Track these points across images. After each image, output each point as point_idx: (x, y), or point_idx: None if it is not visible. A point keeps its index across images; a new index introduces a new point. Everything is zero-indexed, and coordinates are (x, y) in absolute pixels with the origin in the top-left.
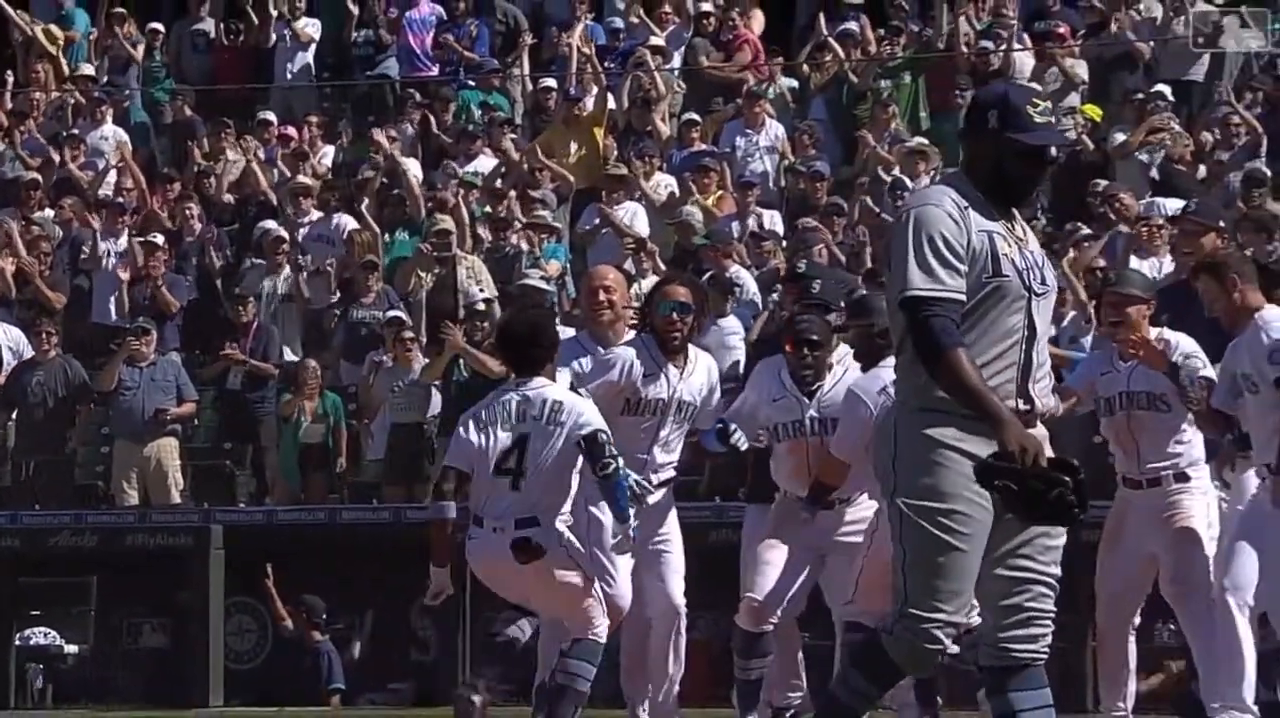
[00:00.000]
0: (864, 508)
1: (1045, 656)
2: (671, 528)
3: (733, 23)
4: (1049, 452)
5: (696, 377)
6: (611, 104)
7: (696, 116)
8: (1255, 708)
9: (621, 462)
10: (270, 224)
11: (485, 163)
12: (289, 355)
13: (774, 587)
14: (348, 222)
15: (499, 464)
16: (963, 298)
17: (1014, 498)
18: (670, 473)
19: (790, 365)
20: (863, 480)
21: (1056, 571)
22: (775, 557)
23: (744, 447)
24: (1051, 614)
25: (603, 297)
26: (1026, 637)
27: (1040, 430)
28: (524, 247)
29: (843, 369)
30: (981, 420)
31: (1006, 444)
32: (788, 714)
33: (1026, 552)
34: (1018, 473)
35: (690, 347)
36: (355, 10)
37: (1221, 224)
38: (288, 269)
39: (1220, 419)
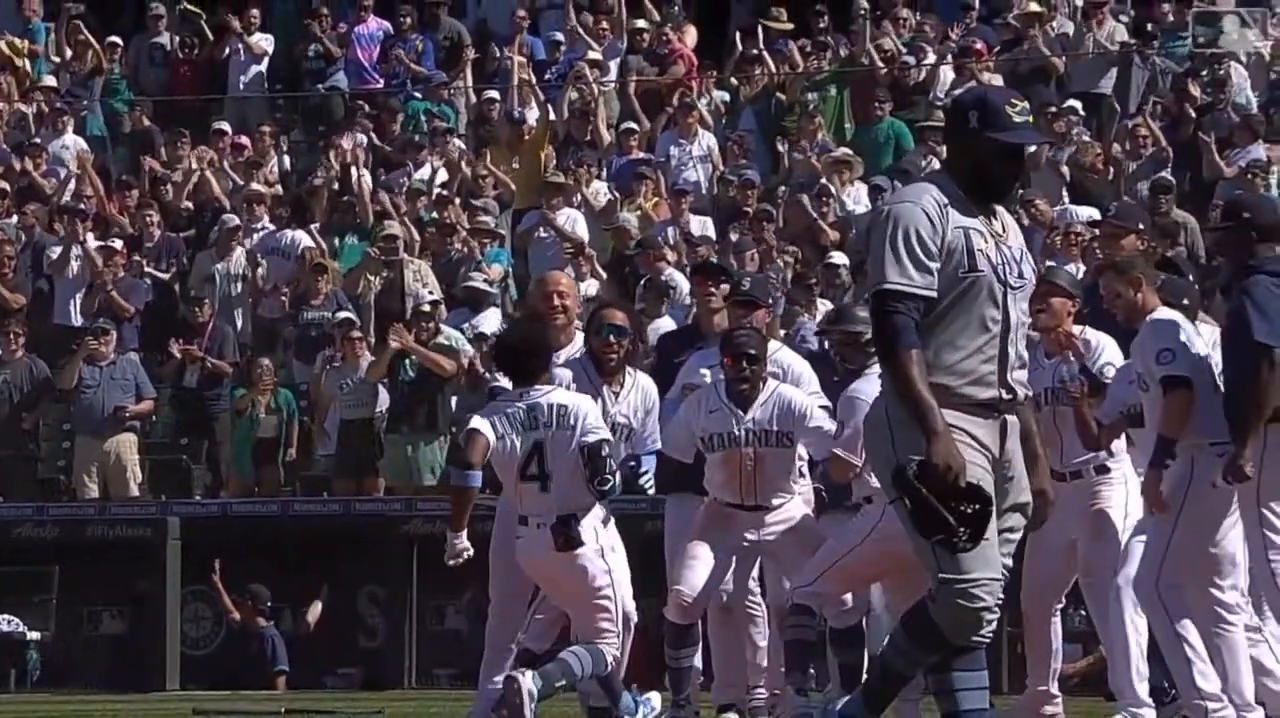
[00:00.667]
0: (790, 510)
1: (988, 640)
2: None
3: (666, 37)
4: (970, 476)
5: (633, 398)
6: (552, 115)
7: (635, 125)
8: (1150, 700)
9: (619, 478)
10: (228, 217)
11: (430, 171)
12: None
13: (703, 585)
14: (301, 237)
15: (523, 471)
16: (931, 294)
17: (916, 512)
18: None
19: (727, 378)
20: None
21: (1009, 562)
22: (703, 553)
23: (651, 491)
24: (1000, 601)
25: (556, 302)
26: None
27: (1014, 419)
28: (467, 252)
29: (775, 384)
30: (986, 406)
31: (933, 458)
32: (732, 711)
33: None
34: (926, 490)
35: (628, 369)
36: (311, 26)
37: (1141, 227)
38: (240, 253)
39: (1089, 430)
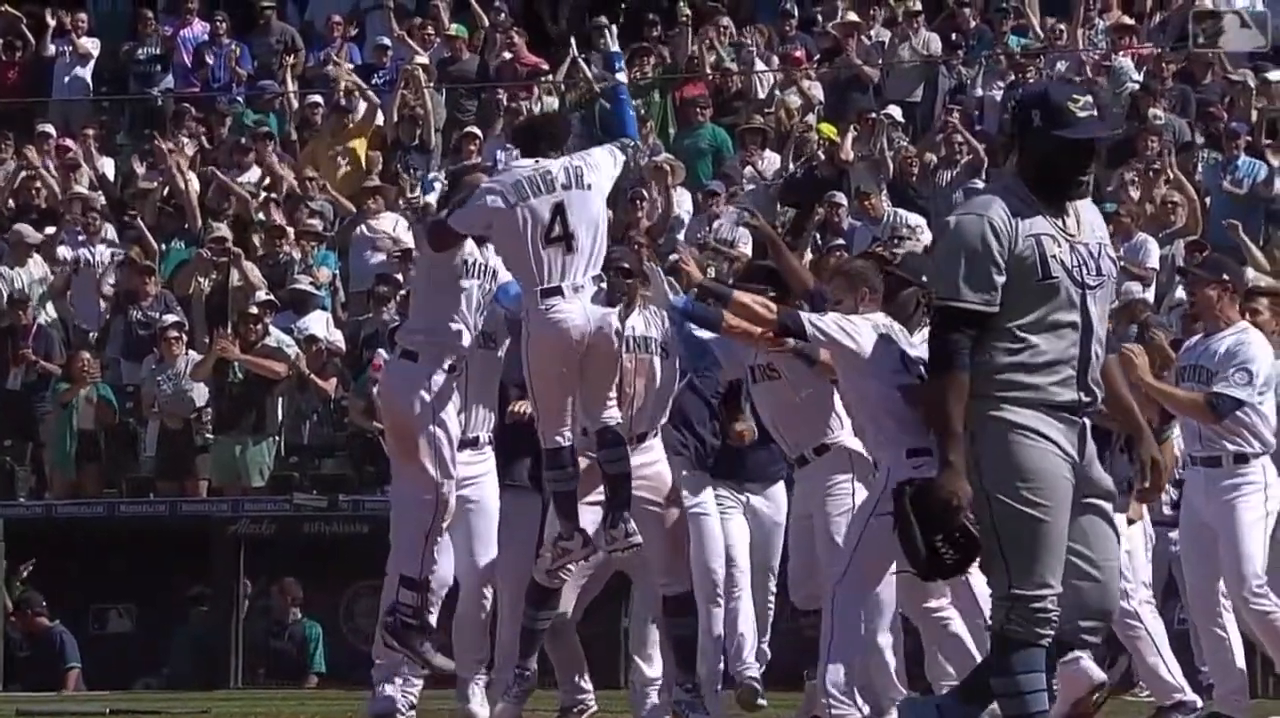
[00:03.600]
0: (652, 453)
1: (1095, 646)
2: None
3: (495, 42)
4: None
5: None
6: (379, 119)
7: (471, 130)
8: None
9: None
10: (24, 228)
11: (257, 174)
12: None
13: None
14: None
15: (547, 234)
16: (991, 310)
17: (906, 535)
18: None
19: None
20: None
21: (1119, 561)
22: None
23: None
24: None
25: None
26: (1097, 628)
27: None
28: (296, 255)
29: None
30: (1067, 411)
31: (941, 488)
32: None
33: (1102, 542)
34: (914, 517)
35: None
36: (142, 28)
37: (1225, 277)
38: (37, 259)
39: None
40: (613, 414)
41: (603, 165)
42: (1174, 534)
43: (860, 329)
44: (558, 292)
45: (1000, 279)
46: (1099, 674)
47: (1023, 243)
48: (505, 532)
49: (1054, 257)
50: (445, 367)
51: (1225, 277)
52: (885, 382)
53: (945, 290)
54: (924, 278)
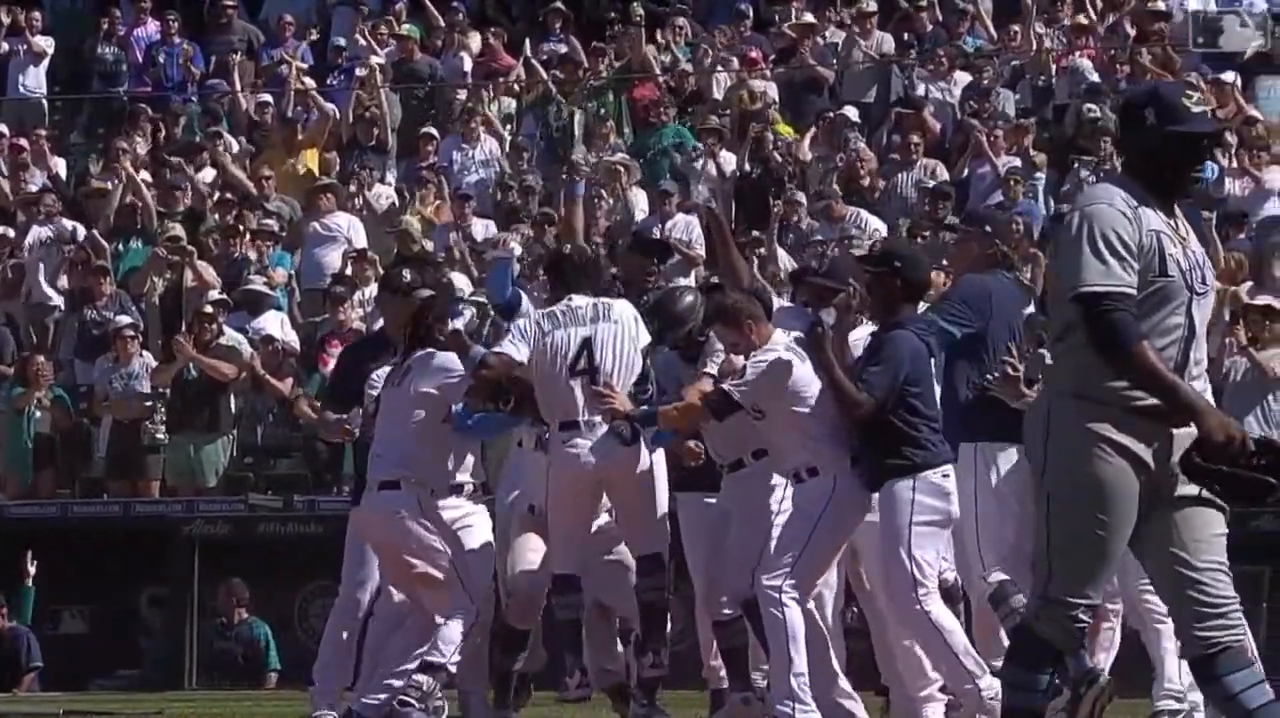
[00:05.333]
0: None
1: (1242, 638)
2: None
3: (453, 42)
4: (1253, 431)
5: None
6: (336, 115)
7: (429, 130)
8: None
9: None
10: None
11: (212, 174)
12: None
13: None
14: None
15: (573, 366)
16: (1135, 293)
17: (1227, 489)
18: None
19: None
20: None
21: (1224, 556)
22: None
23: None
24: (1234, 598)
25: None
26: (1221, 625)
27: (1190, 429)
28: (251, 255)
29: None
30: (1160, 418)
31: (1212, 434)
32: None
33: (1195, 544)
34: (1224, 467)
35: None
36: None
37: (988, 229)
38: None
39: None
40: (649, 545)
41: (627, 318)
42: None
43: (778, 365)
44: (575, 426)
45: (1136, 265)
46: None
47: (1145, 236)
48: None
49: (1171, 255)
50: (430, 493)
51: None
52: (817, 389)
53: (1091, 277)
54: (851, 280)
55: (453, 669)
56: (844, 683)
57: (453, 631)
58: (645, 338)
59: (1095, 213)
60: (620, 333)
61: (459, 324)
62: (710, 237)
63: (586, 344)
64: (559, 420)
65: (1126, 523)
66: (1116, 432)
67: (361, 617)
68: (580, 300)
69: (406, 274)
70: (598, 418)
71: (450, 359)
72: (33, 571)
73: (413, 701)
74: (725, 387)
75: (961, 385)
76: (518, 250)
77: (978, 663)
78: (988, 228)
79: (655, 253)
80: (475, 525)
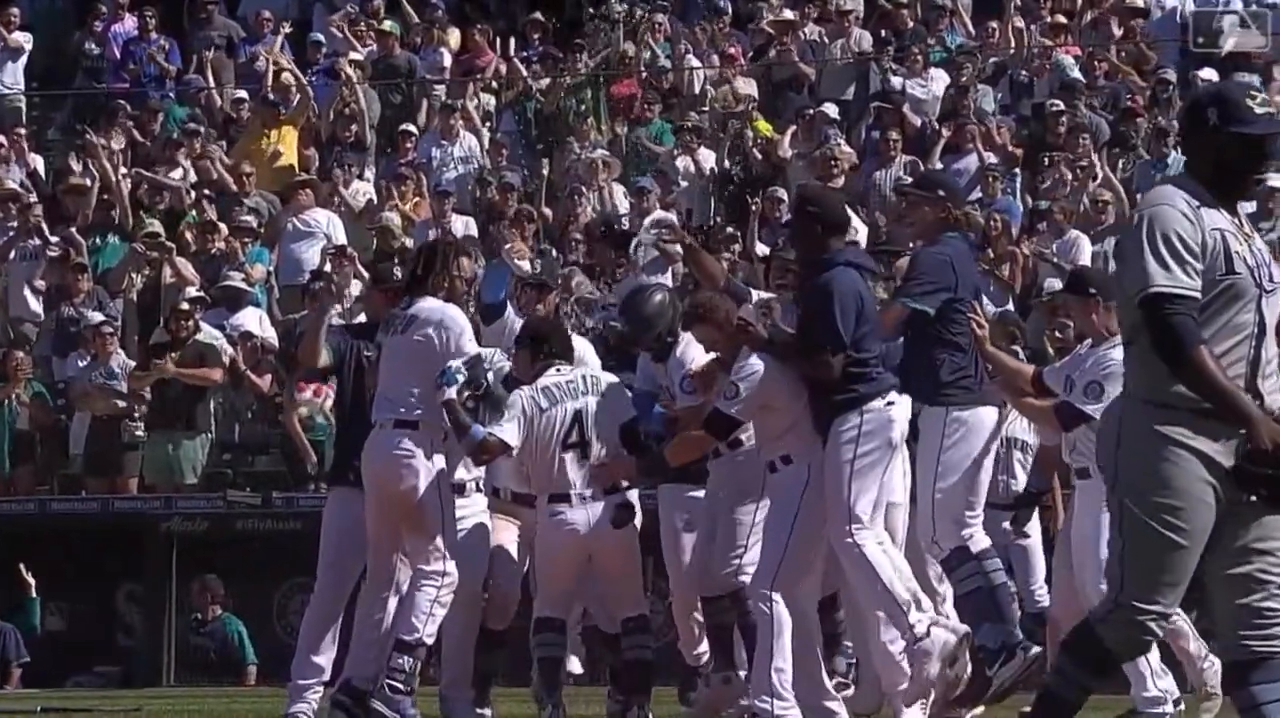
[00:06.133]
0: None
1: (1278, 651)
2: None
3: (432, 39)
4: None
5: None
6: (315, 115)
7: (408, 128)
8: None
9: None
10: None
11: (190, 170)
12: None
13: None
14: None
15: (564, 440)
16: (1199, 295)
17: (1272, 496)
18: None
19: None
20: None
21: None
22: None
23: None
24: None
25: None
26: (1264, 634)
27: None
28: (230, 251)
29: None
30: (1227, 419)
31: (1260, 442)
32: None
33: (1260, 551)
34: (1272, 473)
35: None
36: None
37: (940, 193)
38: None
39: None
40: (634, 608)
41: (614, 390)
42: None
43: (763, 371)
44: (565, 498)
45: (1199, 266)
46: (960, 628)
47: (1209, 235)
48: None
49: (1237, 253)
50: (444, 438)
51: (941, 192)
52: (788, 383)
53: (1156, 279)
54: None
55: (429, 642)
56: (829, 684)
57: (420, 601)
58: (629, 412)
59: (1157, 215)
60: (607, 406)
61: (450, 394)
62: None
63: (578, 418)
64: (549, 493)
65: (1202, 530)
66: (1191, 435)
67: (342, 610)
68: (570, 373)
69: (396, 272)
70: (589, 492)
71: (452, 312)
72: (33, 581)
73: (399, 683)
74: (720, 407)
75: (931, 349)
76: (526, 268)
77: (911, 595)
78: (940, 192)
79: (625, 244)
80: (473, 534)
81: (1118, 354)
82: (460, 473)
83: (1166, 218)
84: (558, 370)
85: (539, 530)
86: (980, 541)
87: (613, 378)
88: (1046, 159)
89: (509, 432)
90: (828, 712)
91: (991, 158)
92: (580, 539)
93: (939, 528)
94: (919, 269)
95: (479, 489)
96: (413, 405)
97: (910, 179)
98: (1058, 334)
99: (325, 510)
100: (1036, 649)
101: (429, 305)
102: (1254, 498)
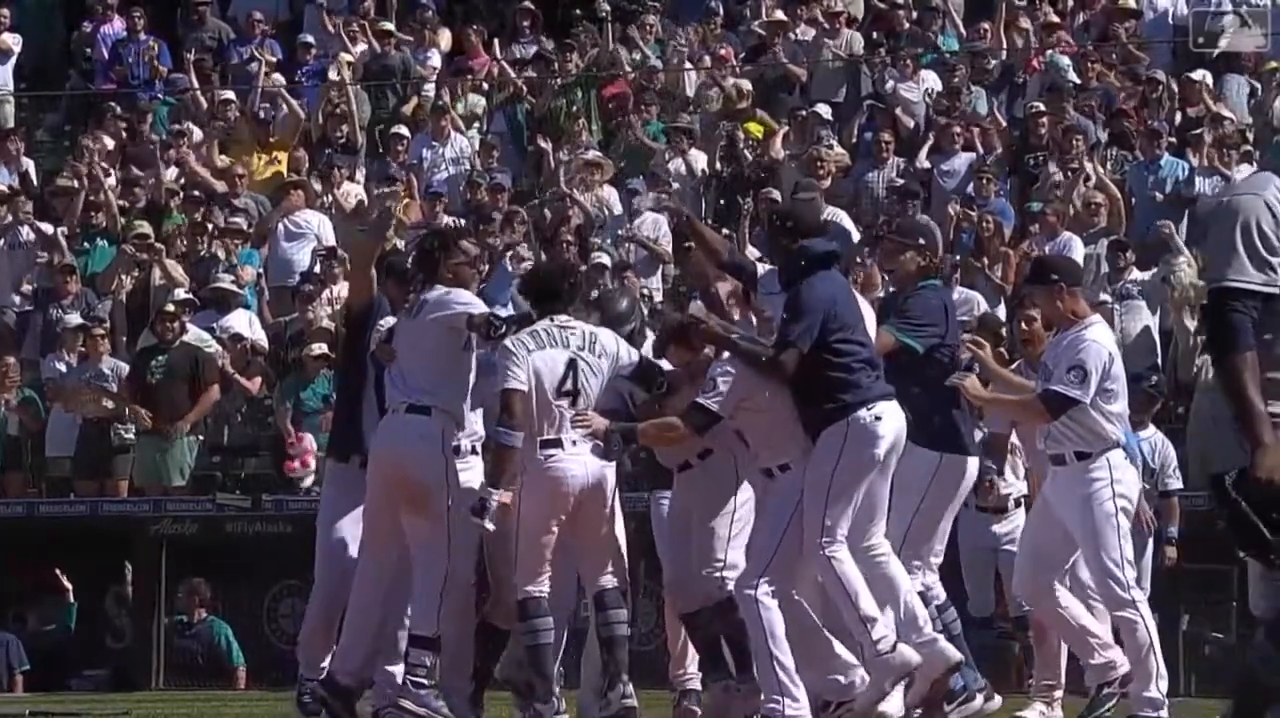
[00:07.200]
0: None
1: None
2: None
3: (423, 39)
4: None
5: None
6: (303, 115)
7: (398, 130)
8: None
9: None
10: None
11: (179, 171)
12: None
13: None
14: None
15: (559, 387)
16: (1272, 290)
17: (1241, 523)
18: None
19: None
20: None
21: None
22: None
23: None
24: None
25: None
26: None
27: None
28: (219, 253)
29: None
30: (1241, 431)
31: (1259, 468)
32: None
33: None
34: (1245, 503)
35: None
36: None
37: (921, 241)
38: None
39: None
40: (610, 579)
41: (615, 350)
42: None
43: (739, 368)
44: (558, 443)
45: (1272, 259)
46: (955, 655)
47: None
48: None
49: None
50: (454, 425)
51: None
52: (772, 388)
53: (1222, 270)
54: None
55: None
56: (840, 649)
57: (429, 595)
58: (631, 358)
59: (1240, 204)
60: (604, 366)
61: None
62: (680, 230)
63: (571, 367)
64: (541, 438)
65: None
66: None
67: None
68: (570, 323)
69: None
70: (579, 437)
71: (463, 294)
72: (69, 584)
73: (422, 678)
74: (700, 401)
75: (924, 392)
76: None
77: (875, 613)
78: (921, 240)
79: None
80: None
81: (1090, 334)
82: (462, 440)
83: (1248, 207)
84: (551, 320)
85: (525, 480)
86: (936, 590)
87: (617, 344)
88: (1036, 160)
89: (513, 378)
90: (842, 686)
91: (986, 159)
92: (568, 488)
93: (908, 556)
94: (913, 307)
95: (474, 452)
96: (425, 392)
97: (897, 209)
98: (1024, 326)
99: (323, 494)
100: (996, 701)
101: (438, 291)
102: (1219, 522)
